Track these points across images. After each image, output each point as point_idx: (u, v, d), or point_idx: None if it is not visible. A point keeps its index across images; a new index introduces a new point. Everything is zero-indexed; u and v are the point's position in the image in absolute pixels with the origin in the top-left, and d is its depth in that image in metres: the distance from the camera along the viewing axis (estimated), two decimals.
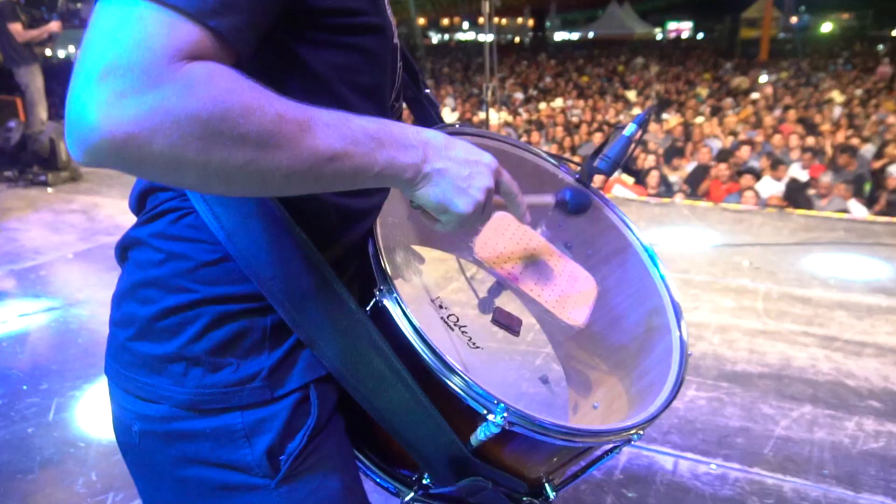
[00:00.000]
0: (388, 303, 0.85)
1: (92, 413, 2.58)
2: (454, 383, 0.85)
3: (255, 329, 0.83)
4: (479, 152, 0.80)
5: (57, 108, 13.07)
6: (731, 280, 3.86)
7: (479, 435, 0.88)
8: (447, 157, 0.76)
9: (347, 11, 0.75)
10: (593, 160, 1.10)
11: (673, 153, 8.38)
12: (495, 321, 1.27)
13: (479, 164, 0.79)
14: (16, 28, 6.32)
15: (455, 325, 1.17)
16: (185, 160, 0.57)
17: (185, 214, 0.83)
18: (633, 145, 1.09)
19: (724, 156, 8.13)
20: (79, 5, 6.42)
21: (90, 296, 3.68)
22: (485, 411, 0.86)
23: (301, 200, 0.79)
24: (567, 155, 9.01)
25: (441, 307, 1.19)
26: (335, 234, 0.87)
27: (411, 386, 0.84)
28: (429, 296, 1.17)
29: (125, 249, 0.89)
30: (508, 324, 1.25)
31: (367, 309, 0.88)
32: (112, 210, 5.48)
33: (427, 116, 1.19)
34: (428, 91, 1.19)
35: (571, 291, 1.16)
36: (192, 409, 0.82)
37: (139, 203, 0.89)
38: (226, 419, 0.82)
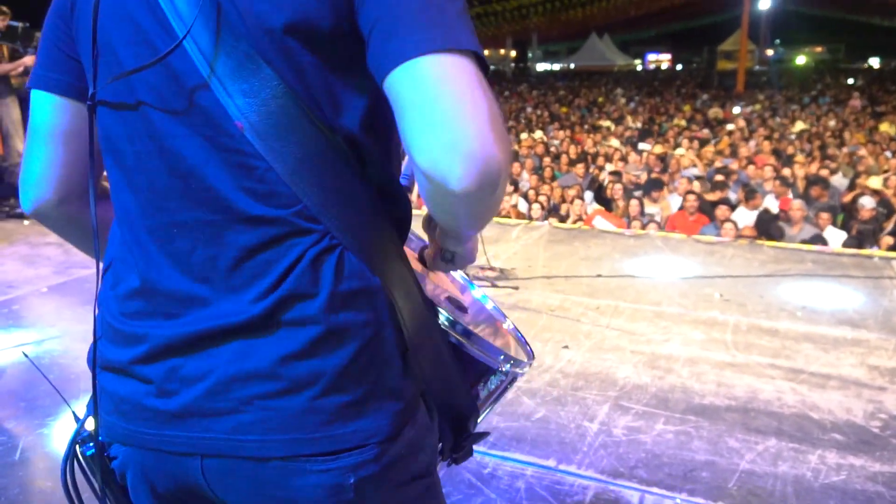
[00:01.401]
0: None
1: (60, 452, 2.56)
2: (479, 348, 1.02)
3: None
4: None
5: None
6: (701, 312, 3.92)
7: (490, 385, 1.08)
8: None
9: None
10: None
11: (652, 185, 8.50)
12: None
13: None
14: None
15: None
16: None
17: (343, 250, 0.82)
18: None
19: (717, 185, 8.24)
20: None
21: (63, 330, 3.66)
22: (497, 365, 1.05)
23: None
24: (547, 185, 9.11)
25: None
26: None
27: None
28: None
29: (273, 315, 0.81)
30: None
31: None
32: None
33: None
34: None
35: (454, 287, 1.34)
36: (393, 439, 0.84)
37: (241, 260, 0.81)
38: (406, 435, 0.86)
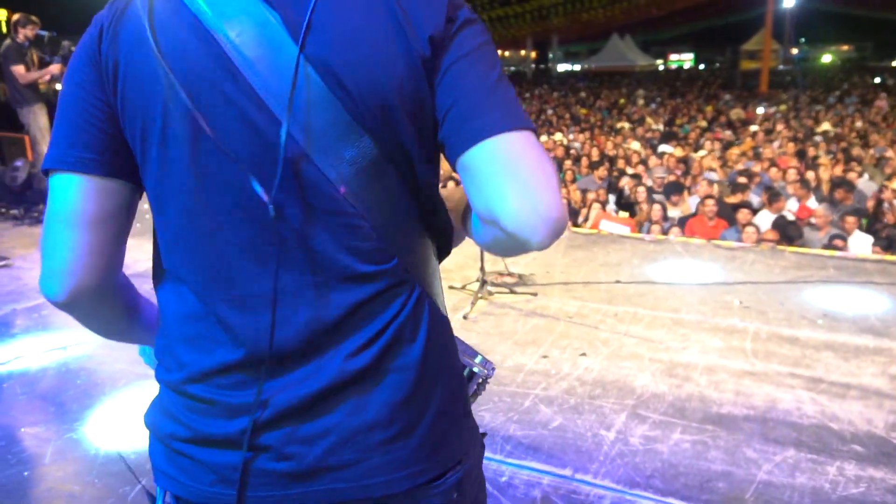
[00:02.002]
0: None
1: (88, 457, 2.63)
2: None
3: None
4: None
5: None
6: (720, 319, 3.91)
7: (480, 392, 1.15)
8: None
9: None
10: None
11: (673, 188, 8.43)
12: None
13: None
14: (18, 70, 6.55)
15: None
16: None
17: (427, 296, 0.93)
18: None
19: (739, 187, 8.15)
20: None
21: (90, 335, 3.74)
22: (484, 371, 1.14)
23: None
24: (565, 189, 9.08)
25: None
26: None
27: None
28: None
29: (380, 364, 0.88)
30: None
31: None
32: None
33: None
34: None
35: None
36: (472, 447, 0.99)
37: (347, 317, 0.87)
38: (475, 436, 1.02)
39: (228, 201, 0.84)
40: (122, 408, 2.98)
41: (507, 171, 0.77)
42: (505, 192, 0.77)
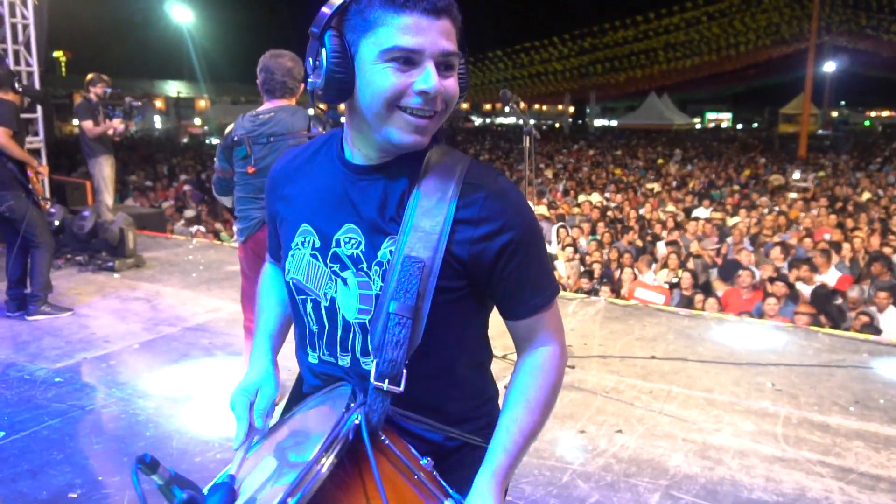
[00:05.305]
0: None
1: None
2: None
3: None
4: None
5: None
6: (753, 402, 4.03)
7: None
8: None
9: None
10: None
11: (731, 268, 8.26)
12: None
13: None
14: (86, 125, 7.13)
15: None
16: None
17: None
18: None
19: (795, 264, 8.08)
20: (139, 103, 7.42)
21: (156, 389, 4.03)
22: None
23: None
24: (599, 252, 9.25)
25: None
26: None
27: None
28: None
29: None
30: None
31: None
32: (173, 300, 5.92)
33: None
34: None
35: None
36: None
37: None
38: None
39: None
40: (189, 461, 3.22)
41: None
42: None
